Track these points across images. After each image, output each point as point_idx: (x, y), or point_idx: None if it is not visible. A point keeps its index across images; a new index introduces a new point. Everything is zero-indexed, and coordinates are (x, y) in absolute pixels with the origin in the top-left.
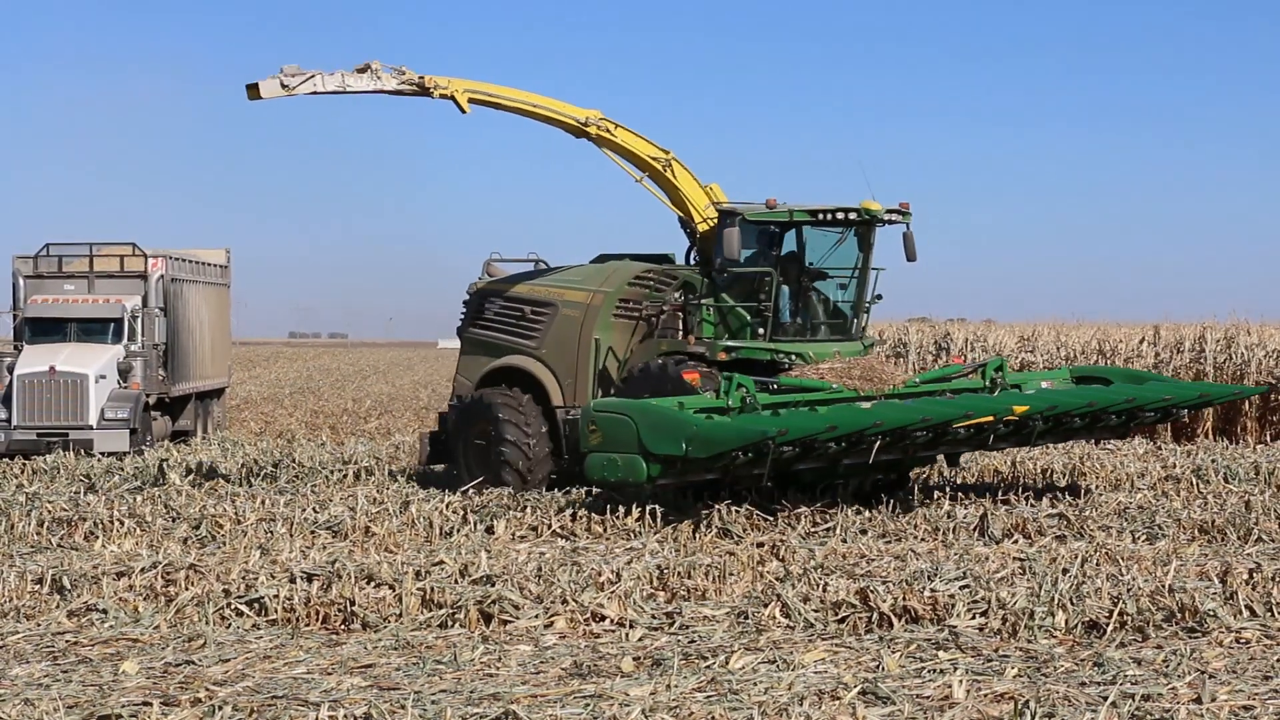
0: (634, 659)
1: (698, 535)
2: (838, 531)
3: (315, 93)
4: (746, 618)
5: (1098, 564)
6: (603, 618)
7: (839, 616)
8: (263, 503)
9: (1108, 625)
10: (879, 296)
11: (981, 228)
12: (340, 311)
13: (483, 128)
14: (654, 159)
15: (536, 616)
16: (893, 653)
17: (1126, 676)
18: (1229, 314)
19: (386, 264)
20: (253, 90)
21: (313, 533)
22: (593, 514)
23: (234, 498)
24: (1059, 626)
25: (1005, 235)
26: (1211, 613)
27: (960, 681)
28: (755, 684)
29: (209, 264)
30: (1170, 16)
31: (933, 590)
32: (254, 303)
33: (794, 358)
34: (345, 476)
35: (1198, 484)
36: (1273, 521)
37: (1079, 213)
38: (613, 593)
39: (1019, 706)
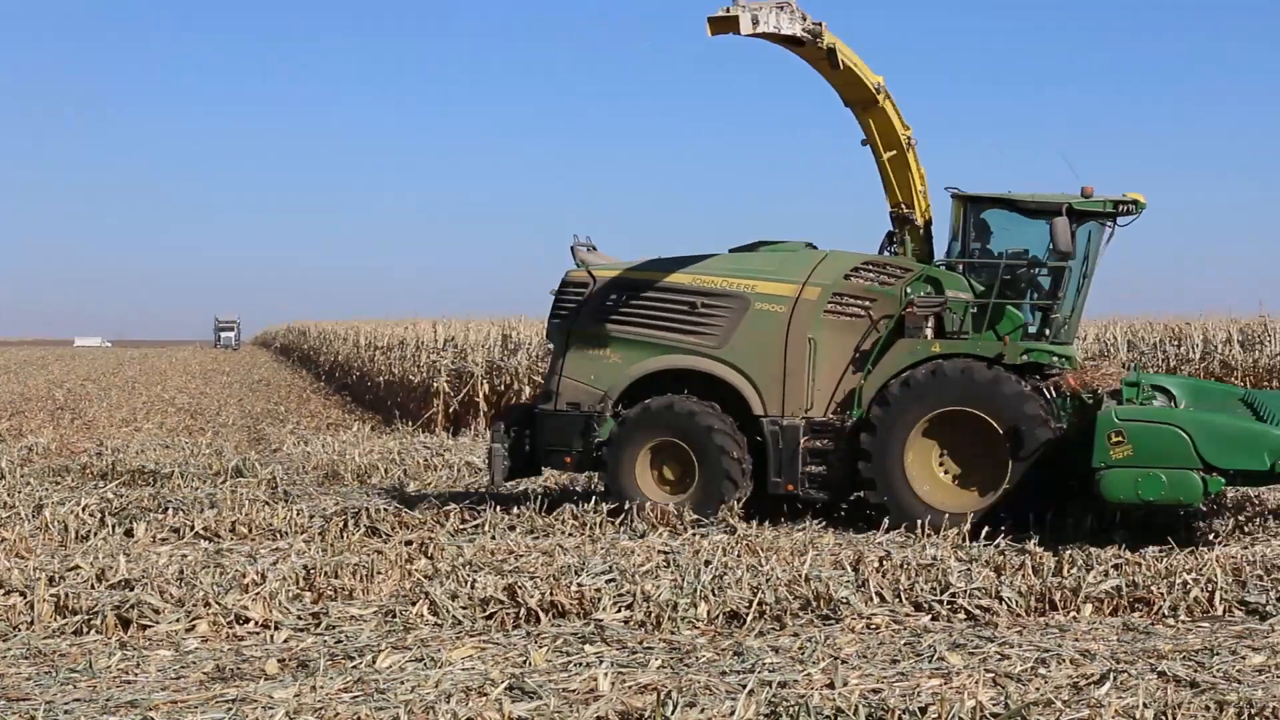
0: (279, 661)
1: (345, 534)
2: (486, 529)
3: (764, 35)
4: (394, 616)
5: (739, 555)
6: (247, 620)
7: (487, 613)
8: None
9: (748, 615)
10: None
11: (629, 226)
12: None
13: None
14: (903, 136)
15: (177, 620)
16: (540, 648)
17: (765, 664)
18: None
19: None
20: (724, 24)
21: None
22: (238, 514)
23: None
24: (701, 617)
25: (649, 234)
26: (845, 600)
27: (606, 674)
28: (402, 683)
29: None
30: None
31: (580, 585)
32: None
33: (1063, 360)
34: None
35: None
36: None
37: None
38: (257, 594)
39: (662, 697)
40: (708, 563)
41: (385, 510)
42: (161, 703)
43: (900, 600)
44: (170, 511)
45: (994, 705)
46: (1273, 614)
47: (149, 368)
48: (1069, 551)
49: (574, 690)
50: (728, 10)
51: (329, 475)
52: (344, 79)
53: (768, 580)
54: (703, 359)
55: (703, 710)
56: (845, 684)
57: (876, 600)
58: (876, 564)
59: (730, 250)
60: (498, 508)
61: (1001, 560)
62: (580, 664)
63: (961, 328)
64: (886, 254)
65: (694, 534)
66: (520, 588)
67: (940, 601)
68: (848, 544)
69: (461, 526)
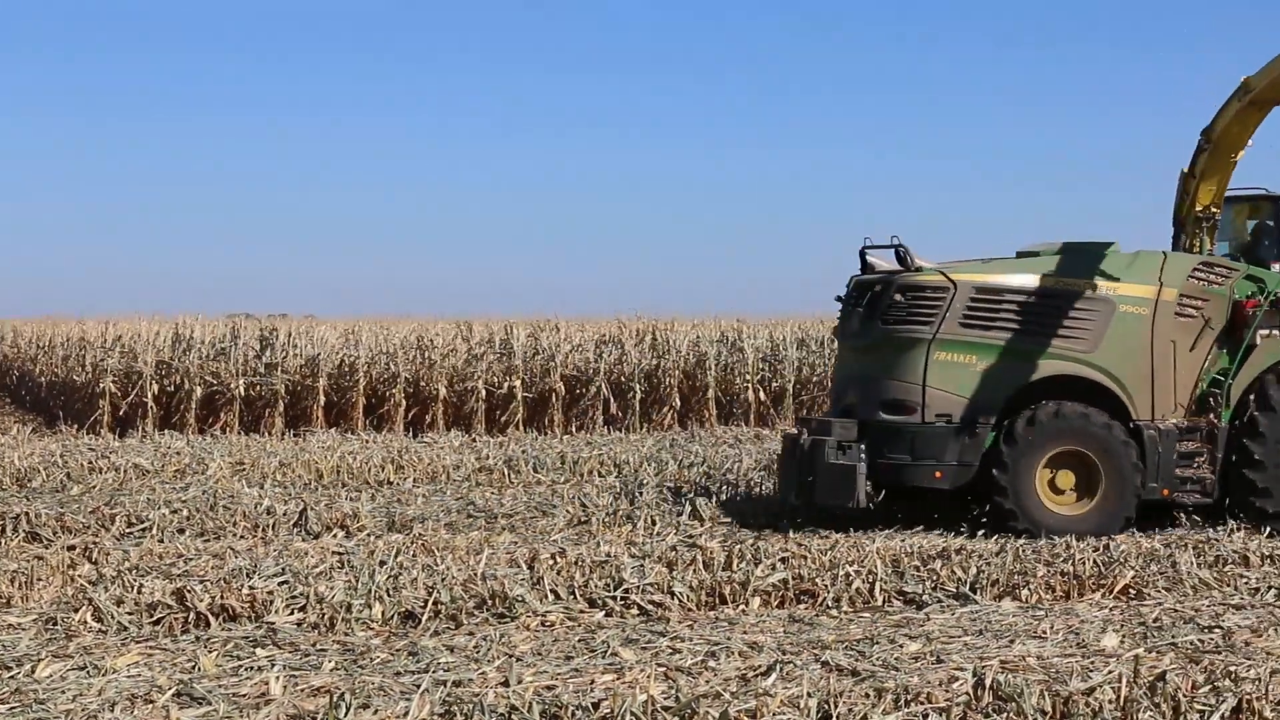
0: None
1: (3, 540)
2: (154, 532)
3: None
4: (56, 624)
5: (414, 555)
6: None
7: (154, 618)
8: None
9: (423, 614)
10: None
11: (303, 223)
12: None
13: None
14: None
15: None
16: (210, 652)
17: (440, 664)
18: (535, 310)
19: None
20: None
21: None
22: None
23: None
24: (376, 618)
25: (325, 232)
26: (520, 598)
27: (278, 678)
28: (64, 692)
29: None
30: None
31: (251, 588)
32: None
33: None
34: None
35: (509, 474)
36: (576, 507)
37: (391, 210)
38: None
39: (335, 699)
40: (383, 563)
41: (48, 514)
42: None
43: (575, 597)
44: None
45: (665, 699)
46: (928, 603)
47: None
48: (738, 546)
49: (244, 695)
50: None
51: None
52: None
53: (443, 579)
54: (1079, 364)
55: (376, 711)
56: (520, 681)
57: (551, 598)
58: (551, 561)
59: (1018, 253)
60: (166, 510)
61: (674, 556)
62: (251, 668)
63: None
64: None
65: (370, 534)
66: (189, 591)
67: (614, 597)
68: (523, 542)
69: (128, 530)
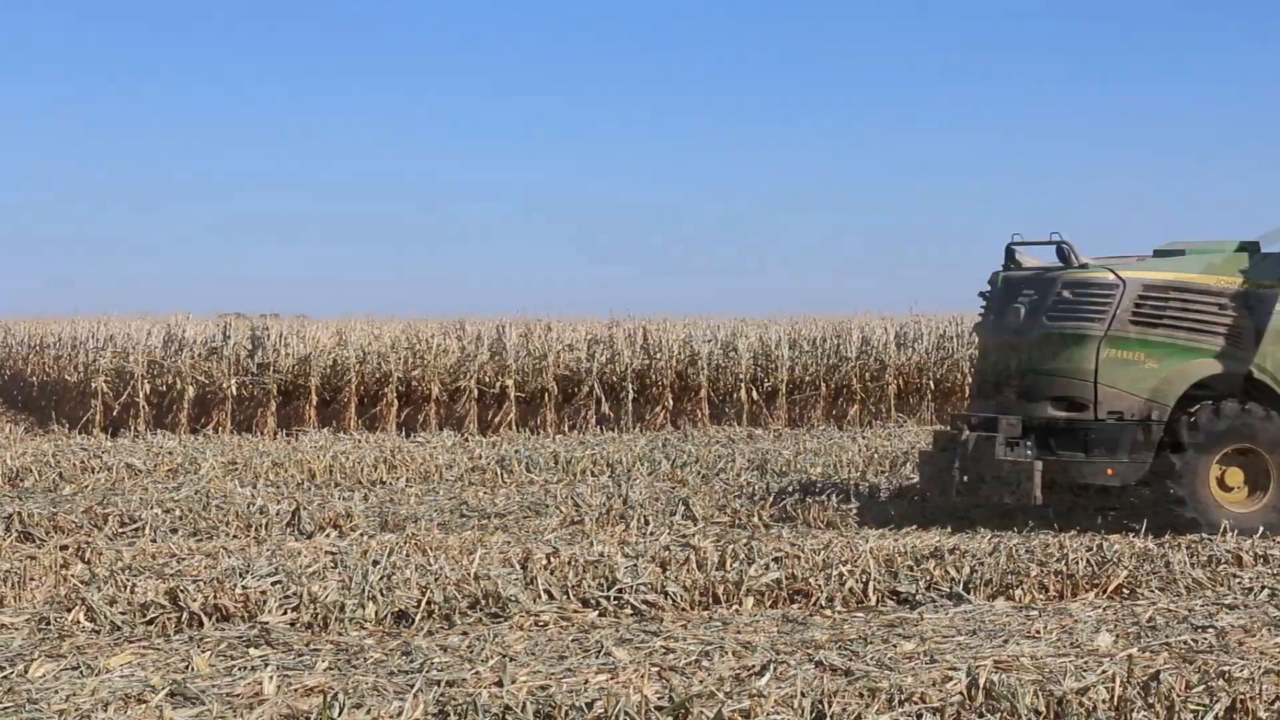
0: None
1: None
2: (147, 531)
3: None
4: (48, 624)
5: (407, 555)
6: None
7: (147, 618)
8: None
9: (416, 614)
10: None
11: (293, 222)
12: None
13: None
14: None
15: None
16: (203, 652)
17: (433, 664)
18: (522, 310)
19: None
20: None
21: None
22: None
23: None
24: (369, 618)
25: (315, 232)
26: (513, 598)
27: (271, 678)
28: (57, 692)
29: None
30: None
31: (244, 587)
32: None
33: None
34: None
35: (502, 474)
36: (569, 507)
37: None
38: None
39: (328, 699)
40: (376, 563)
41: (40, 515)
42: None
43: (568, 597)
44: None
45: (659, 699)
46: (922, 603)
47: None
48: (732, 546)
49: (238, 695)
50: None
51: None
52: None
53: (436, 579)
54: (1244, 363)
55: (369, 711)
56: (514, 681)
57: (545, 597)
58: (544, 561)
59: (1155, 252)
60: (158, 509)
61: (667, 555)
62: (244, 668)
63: None
64: None
65: (363, 533)
66: (182, 591)
67: (607, 597)
68: (516, 542)
69: (121, 530)
